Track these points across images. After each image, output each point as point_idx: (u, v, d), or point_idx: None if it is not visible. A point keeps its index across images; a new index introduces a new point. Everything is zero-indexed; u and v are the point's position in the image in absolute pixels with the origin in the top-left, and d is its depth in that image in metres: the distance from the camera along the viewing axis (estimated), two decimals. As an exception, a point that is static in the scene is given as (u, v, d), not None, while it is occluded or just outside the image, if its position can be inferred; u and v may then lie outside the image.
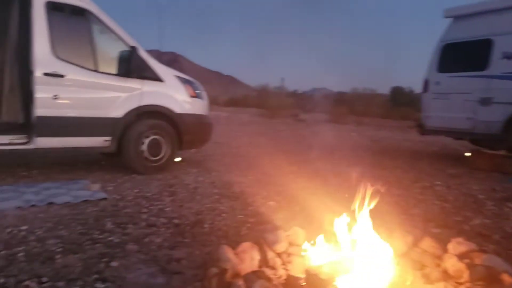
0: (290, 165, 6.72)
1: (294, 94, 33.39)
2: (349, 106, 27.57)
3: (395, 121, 23.50)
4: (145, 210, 4.12)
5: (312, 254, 2.44)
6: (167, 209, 4.18)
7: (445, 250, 2.48)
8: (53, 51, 5.07)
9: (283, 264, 2.41)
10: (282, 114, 21.16)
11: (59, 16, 5.19)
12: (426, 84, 8.75)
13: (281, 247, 2.49)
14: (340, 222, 2.44)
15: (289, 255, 2.47)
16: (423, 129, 8.93)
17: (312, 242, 2.53)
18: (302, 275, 2.15)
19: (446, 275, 2.21)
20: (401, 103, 29.73)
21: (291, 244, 2.55)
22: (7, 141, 5.06)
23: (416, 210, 4.47)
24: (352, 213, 2.47)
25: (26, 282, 2.47)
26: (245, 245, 2.37)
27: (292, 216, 3.89)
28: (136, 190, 4.89)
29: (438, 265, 2.35)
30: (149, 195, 4.69)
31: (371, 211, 2.45)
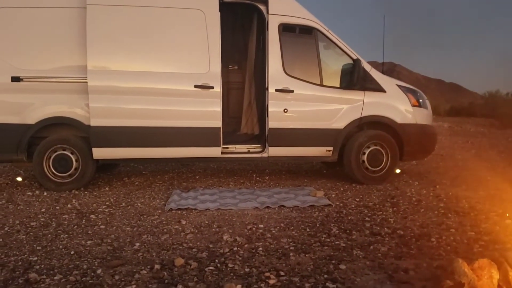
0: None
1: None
2: None
3: None
4: (367, 218, 4.20)
5: None
6: (390, 219, 4.18)
7: None
8: (284, 68, 5.63)
9: (528, 287, 2.17)
10: (516, 124, 18.55)
11: (289, 36, 5.75)
12: None
13: (525, 268, 2.25)
14: None
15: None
16: None
17: None
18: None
19: None
20: None
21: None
22: (245, 150, 5.85)
23: None
24: None
25: (267, 274, 2.82)
26: (483, 261, 2.22)
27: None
28: (357, 199, 5.03)
29: None
30: (371, 205, 4.76)
31: None
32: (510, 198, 4.82)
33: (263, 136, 5.84)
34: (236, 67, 6.81)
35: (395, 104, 5.93)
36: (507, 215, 4.18)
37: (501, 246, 3.15)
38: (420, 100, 6.12)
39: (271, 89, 5.61)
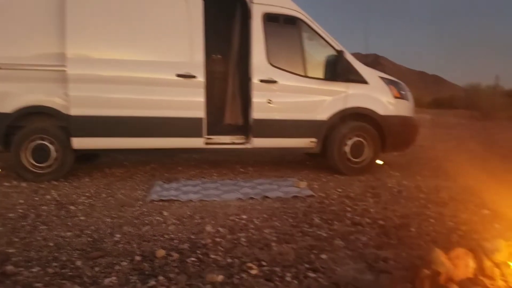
0: (507, 172, 5.99)
1: (511, 94, 29.35)
2: None
3: None
4: (349, 209, 4.24)
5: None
6: (371, 210, 4.23)
7: None
8: (268, 59, 5.61)
9: (502, 275, 2.21)
10: (496, 116, 18.84)
11: (273, 26, 5.71)
12: None
13: (500, 257, 2.29)
14: None
15: (509, 266, 2.25)
16: None
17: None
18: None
19: None
20: None
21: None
22: (229, 141, 5.82)
23: None
24: None
25: (249, 264, 2.82)
26: (459, 251, 2.26)
27: (510, 226, 3.50)
28: (339, 190, 5.06)
29: None
30: (352, 195, 4.80)
31: None
32: (487, 189, 4.89)
33: (247, 127, 5.81)
34: (220, 56, 6.76)
35: (378, 96, 5.97)
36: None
37: (478, 236, 3.20)
38: (402, 92, 6.17)
39: (255, 80, 5.58)
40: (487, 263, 2.26)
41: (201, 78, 5.36)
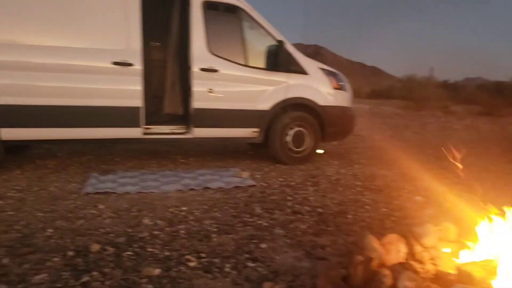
0: (438, 159, 6.32)
1: (444, 85, 30.94)
2: (508, 97, 24.63)
3: None
4: (290, 198, 4.29)
5: (464, 251, 2.31)
6: (311, 198, 4.30)
7: None
8: (209, 47, 5.53)
9: (431, 259, 2.32)
10: (430, 106, 19.82)
11: (214, 14, 5.63)
12: None
13: (429, 241, 2.40)
14: (492, 220, 2.26)
15: (438, 250, 2.37)
16: None
17: (464, 239, 2.40)
18: (453, 272, 2.06)
19: None
20: None
21: (440, 239, 2.44)
22: (169, 131, 5.69)
23: None
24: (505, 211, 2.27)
25: (187, 256, 2.78)
26: (391, 236, 2.34)
27: (441, 212, 3.68)
28: (281, 179, 5.11)
29: None
30: (293, 184, 4.87)
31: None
32: (419, 176, 5.14)
33: (188, 116, 5.71)
34: (159, 44, 6.59)
35: (318, 87, 6.06)
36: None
37: (410, 221, 3.36)
38: (341, 83, 6.30)
39: (195, 68, 5.48)
40: (418, 248, 2.35)
41: (138, 66, 5.18)
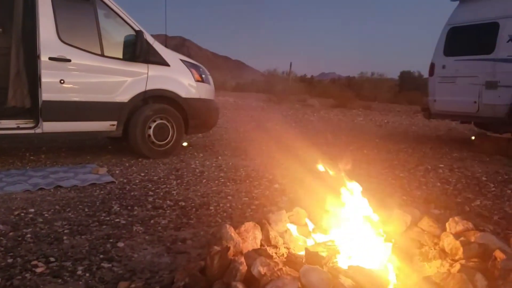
0: (296, 149, 6.70)
1: (302, 79, 33.19)
2: (357, 91, 27.42)
3: (403, 106, 23.34)
4: (151, 193, 4.17)
5: (313, 233, 2.48)
6: (174, 192, 4.23)
7: (443, 230, 2.50)
8: (59, 35, 5.08)
9: (285, 243, 2.44)
10: (290, 99, 21.05)
11: (64, 1, 5.19)
12: (432, 68, 8.63)
13: (283, 226, 2.52)
14: (340, 202, 2.46)
15: (290, 234, 2.49)
16: (429, 113, 8.83)
17: (313, 221, 2.57)
18: (302, 254, 2.18)
19: (443, 253, 2.22)
20: (410, 88, 29.43)
21: (293, 223, 2.58)
22: (14, 126, 5.10)
23: (418, 192, 4.48)
24: (353, 194, 2.49)
25: (34, 262, 2.53)
26: (248, 224, 2.40)
27: (297, 198, 3.91)
28: (142, 174, 4.94)
29: (436, 244, 2.37)
30: (155, 179, 4.74)
31: (373, 192, 2.47)
32: (279, 165, 5.39)
33: (36, 109, 5.18)
34: (0, 30, 5.88)
35: (179, 79, 5.98)
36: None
37: (267, 209, 3.49)
38: (203, 76, 6.31)
39: (43, 57, 4.99)
40: (272, 233, 2.45)
41: (-26, 53, 4.55)
